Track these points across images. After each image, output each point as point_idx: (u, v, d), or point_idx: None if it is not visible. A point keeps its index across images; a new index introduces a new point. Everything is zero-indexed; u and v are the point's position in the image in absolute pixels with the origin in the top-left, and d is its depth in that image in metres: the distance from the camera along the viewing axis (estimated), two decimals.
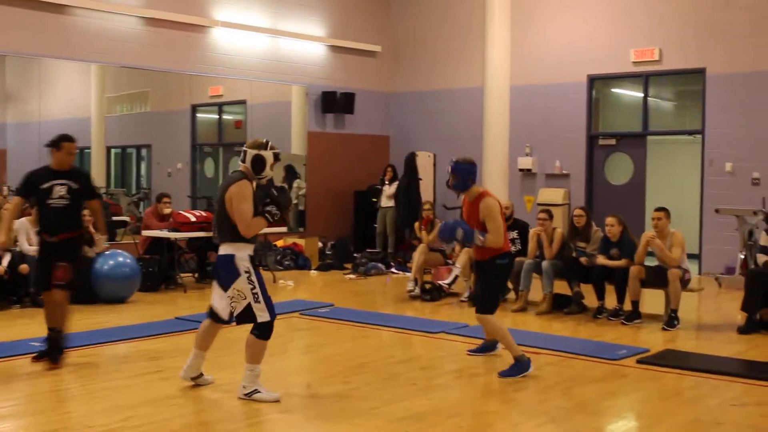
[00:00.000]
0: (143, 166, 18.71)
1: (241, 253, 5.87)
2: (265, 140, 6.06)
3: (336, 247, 14.66)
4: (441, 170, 15.58)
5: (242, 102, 16.59)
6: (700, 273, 13.17)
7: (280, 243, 14.34)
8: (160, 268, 11.40)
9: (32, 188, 7.18)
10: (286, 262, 13.81)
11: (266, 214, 5.90)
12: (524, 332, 8.67)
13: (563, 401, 6.17)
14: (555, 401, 6.15)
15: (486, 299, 6.95)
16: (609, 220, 9.62)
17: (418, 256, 11.04)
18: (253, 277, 5.85)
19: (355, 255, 14.22)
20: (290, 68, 15.16)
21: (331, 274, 13.51)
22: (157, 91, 17.42)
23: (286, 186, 5.89)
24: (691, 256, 12.81)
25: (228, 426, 5.47)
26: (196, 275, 12.24)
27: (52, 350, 7.09)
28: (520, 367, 6.80)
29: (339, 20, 15.85)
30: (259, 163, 5.95)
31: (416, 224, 11.71)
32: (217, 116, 17.69)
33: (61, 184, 7.12)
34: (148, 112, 17.96)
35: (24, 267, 9.78)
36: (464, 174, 6.89)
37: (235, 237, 5.86)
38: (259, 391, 5.92)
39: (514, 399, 6.27)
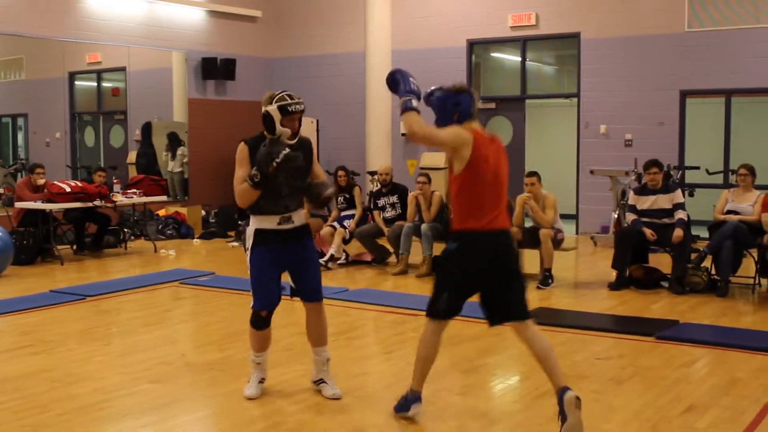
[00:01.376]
0: (20, 136, 18.12)
1: (251, 228, 5.26)
2: (276, 93, 5.11)
3: (219, 215, 14.51)
4: (324, 136, 15.54)
5: (122, 69, 16.19)
6: (577, 233, 13.56)
7: (162, 212, 14.12)
8: (35, 241, 11.08)
9: None
10: (169, 231, 13.61)
11: (248, 179, 4.98)
12: (404, 295, 8.80)
13: (438, 361, 6.26)
14: None
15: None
16: None
17: None
18: (250, 256, 5.27)
19: (239, 222, 14.10)
20: (169, 34, 14.84)
21: (213, 243, 13.38)
22: (32, 58, 16.85)
23: (275, 137, 5.07)
24: (568, 217, 13.23)
25: (96, 398, 5.38)
26: (74, 247, 11.95)
27: None
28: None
29: None
30: (266, 121, 5.04)
31: None
32: (96, 84, 17.23)
33: None
34: (22, 80, 17.38)
35: None
36: (439, 105, 4.79)
37: (251, 207, 5.19)
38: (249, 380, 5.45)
39: (388, 361, 6.36)
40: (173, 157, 15.53)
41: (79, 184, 11.47)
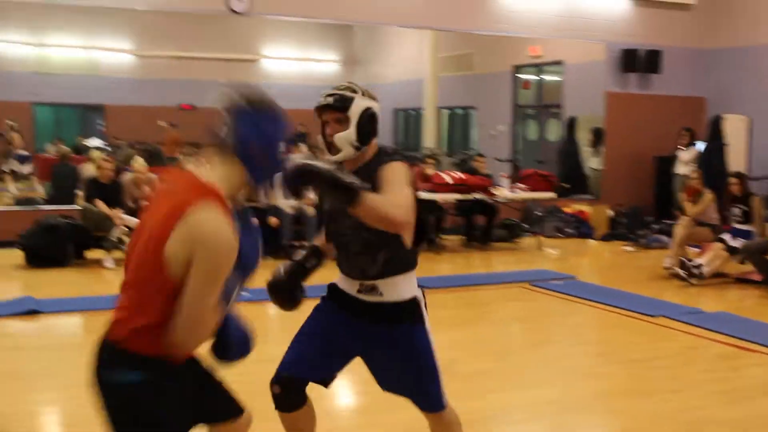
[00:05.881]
0: (473, 128, 19.00)
1: None
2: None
3: (628, 216, 13.58)
4: (757, 136, 13.79)
5: (559, 62, 16.03)
6: None
7: (568, 209, 13.60)
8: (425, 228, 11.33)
9: None
10: (568, 230, 13.10)
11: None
12: (763, 325, 7.44)
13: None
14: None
15: None
16: None
17: (679, 229, 9.88)
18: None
19: (651, 226, 13.08)
20: (590, 25, 14.11)
21: (611, 245, 12.54)
22: (480, 53, 17.52)
23: None
24: None
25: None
26: (464, 238, 12.04)
27: None
28: None
29: None
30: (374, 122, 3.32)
31: (681, 194, 10.46)
32: (537, 77, 17.29)
33: None
34: (473, 74, 18.16)
35: (274, 220, 10.25)
36: None
37: None
38: None
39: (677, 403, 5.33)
40: (596, 153, 14.94)
41: (463, 176, 11.47)
